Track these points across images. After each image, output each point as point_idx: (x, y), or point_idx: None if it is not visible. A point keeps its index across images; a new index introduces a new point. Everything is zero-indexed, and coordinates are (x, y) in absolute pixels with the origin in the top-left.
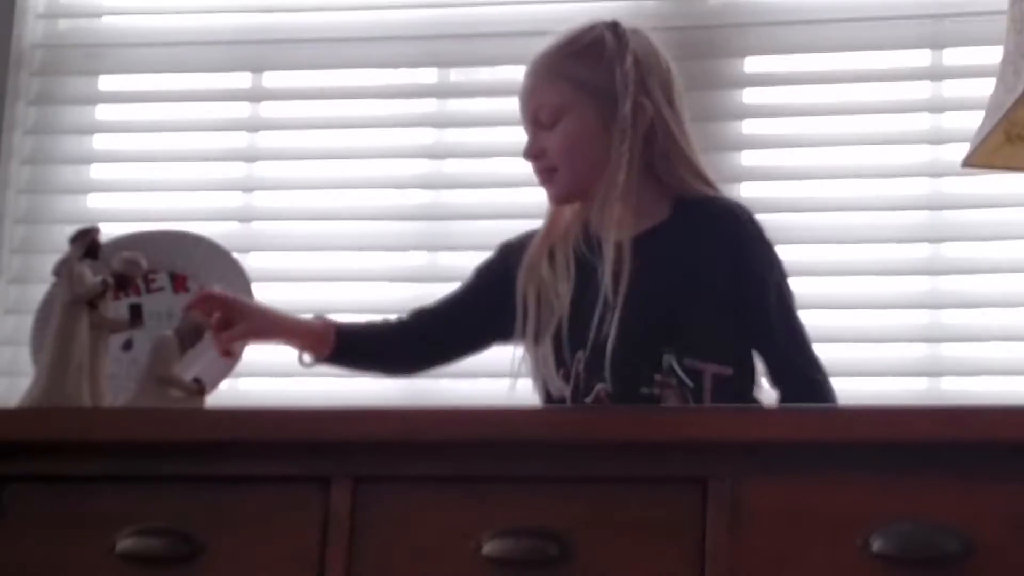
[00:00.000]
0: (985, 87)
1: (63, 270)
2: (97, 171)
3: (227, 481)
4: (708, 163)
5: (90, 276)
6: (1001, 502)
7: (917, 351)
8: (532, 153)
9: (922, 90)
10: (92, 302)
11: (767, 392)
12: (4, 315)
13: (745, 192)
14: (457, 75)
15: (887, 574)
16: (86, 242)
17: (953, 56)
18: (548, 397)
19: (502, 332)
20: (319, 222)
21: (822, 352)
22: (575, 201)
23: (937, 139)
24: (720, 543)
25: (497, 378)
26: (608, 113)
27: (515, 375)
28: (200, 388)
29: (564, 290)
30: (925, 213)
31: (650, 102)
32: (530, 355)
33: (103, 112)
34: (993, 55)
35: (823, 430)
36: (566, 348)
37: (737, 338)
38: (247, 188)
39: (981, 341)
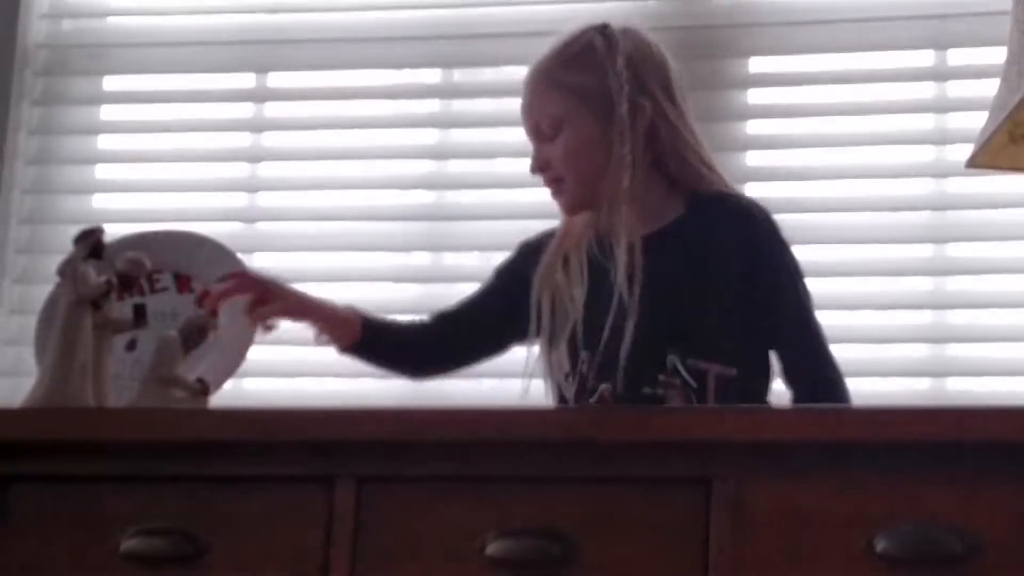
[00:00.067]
0: (989, 87)
1: (67, 270)
2: (101, 171)
3: (231, 481)
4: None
5: (94, 276)
6: (1006, 502)
7: (921, 351)
8: (538, 166)
9: (926, 90)
10: (96, 302)
11: (781, 393)
12: (8, 315)
13: (750, 192)
14: (460, 75)
15: (891, 575)
16: (90, 242)
17: (957, 56)
18: (561, 399)
19: (523, 333)
20: (323, 222)
21: None
22: (587, 209)
23: (941, 139)
24: (724, 543)
25: (501, 378)
26: (606, 117)
27: (527, 376)
28: (204, 388)
29: (578, 295)
30: (929, 213)
31: (648, 101)
32: (544, 358)
33: (107, 112)
34: (997, 55)
35: (827, 430)
36: (581, 352)
37: (747, 338)
38: (251, 188)
39: (985, 341)
